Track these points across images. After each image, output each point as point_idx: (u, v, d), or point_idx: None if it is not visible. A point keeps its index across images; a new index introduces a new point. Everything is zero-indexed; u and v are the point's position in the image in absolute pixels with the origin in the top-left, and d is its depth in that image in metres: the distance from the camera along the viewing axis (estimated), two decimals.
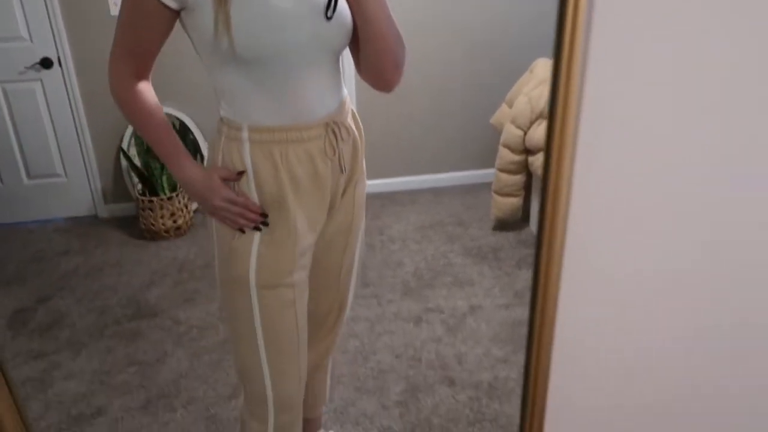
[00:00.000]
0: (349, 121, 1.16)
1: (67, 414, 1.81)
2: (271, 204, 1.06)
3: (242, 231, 1.07)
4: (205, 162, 1.14)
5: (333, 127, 1.08)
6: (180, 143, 1.07)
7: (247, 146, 1.03)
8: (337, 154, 1.10)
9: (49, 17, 2.85)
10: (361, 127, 1.22)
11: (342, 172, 1.14)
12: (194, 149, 3.10)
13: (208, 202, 1.05)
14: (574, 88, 0.80)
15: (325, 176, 1.10)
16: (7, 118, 2.97)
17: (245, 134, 1.03)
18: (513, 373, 1.91)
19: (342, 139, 1.11)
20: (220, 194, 1.04)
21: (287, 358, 1.15)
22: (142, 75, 1.04)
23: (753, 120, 0.84)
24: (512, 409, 1.76)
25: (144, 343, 2.13)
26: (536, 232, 0.90)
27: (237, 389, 1.88)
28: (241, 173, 1.05)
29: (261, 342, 1.12)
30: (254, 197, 1.06)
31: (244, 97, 1.02)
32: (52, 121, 3.03)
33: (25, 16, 2.84)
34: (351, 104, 1.19)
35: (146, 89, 1.04)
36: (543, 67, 2.71)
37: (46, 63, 2.91)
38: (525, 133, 2.58)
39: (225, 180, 1.05)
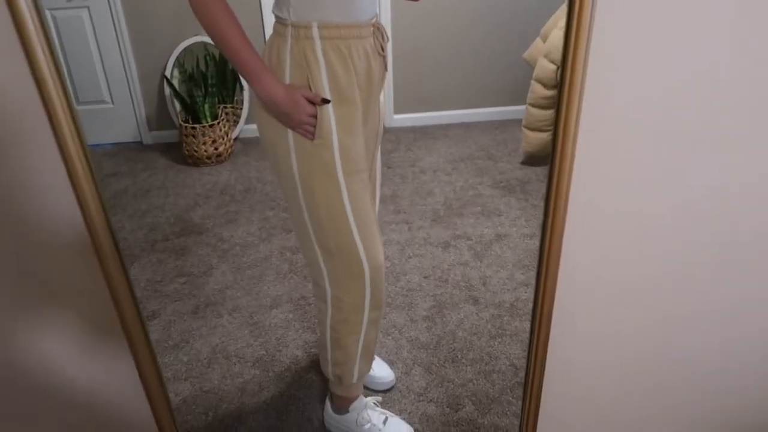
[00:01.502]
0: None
1: None
2: (343, 97, 1.16)
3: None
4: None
5: (378, 27, 1.21)
6: (262, 61, 1.13)
7: (318, 43, 1.12)
8: (384, 52, 1.23)
9: None
10: None
11: (386, 69, 1.27)
12: (233, 79, 3.20)
13: (293, 118, 1.14)
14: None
15: (376, 73, 1.22)
16: (57, 45, 3.08)
17: (315, 32, 1.11)
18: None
19: (385, 39, 1.24)
20: (305, 110, 1.13)
21: (373, 234, 1.29)
22: None
23: None
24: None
25: (191, 257, 2.30)
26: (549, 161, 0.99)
27: (277, 300, 2.05)
28: (325, 101, 1.14)
29: (352, 219, 1.24)
30: (327, 92, 1.15)
31: None
32: (98, 48, 3.14)
33: None
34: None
35: (228, 4, 1.09)
36: None
37: None
38: (558, 68, 2.61)
39: (307, 100, 1.14)
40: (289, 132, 1.18)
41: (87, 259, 1.00)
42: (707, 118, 0.96)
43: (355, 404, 1.52)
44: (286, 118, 1.15)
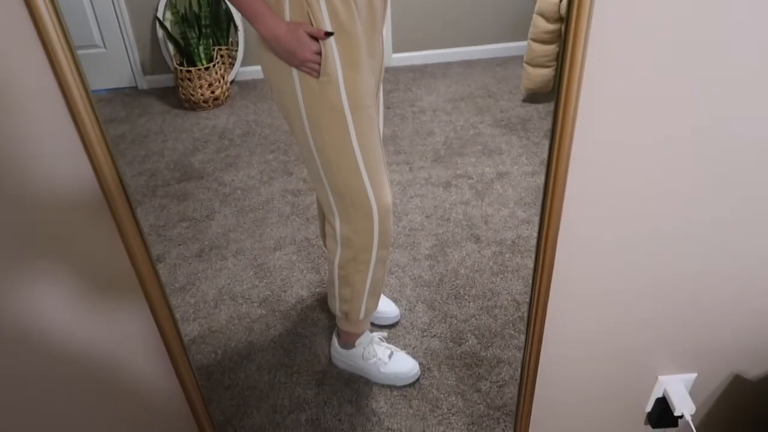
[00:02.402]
0: None
1: None
2: (344, 32, 1.14)
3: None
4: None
5: None
6: (265, 2, 1.11)
7: None
8: None
9: None
10: None
11: (385, 2, 1.24)
12: (227, 19, 3.12)
13: (298, 55, 1.12)
14: None
15: (377, 4, 1.20)
16: None
17: None
18: (535, 232, 2.05)
19: None
20: (309, 48, 1.11)
21: (381, 172, 1.29)
22: None
23: None
24: (532, 262, 1.91)
25: (193, 201, 2.31)
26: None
27: (280, 242, 2.06)
28: (328, 33, 1.12)
29: (360, 158, 1.24)
30: (328, 27, 1.13)
31: None
32: None
33: None
34: None
35: None
36: None
37: None
38: (561, 1, 2.55)
39: (310, 36, 1.12)
40: (294, 71, 1.16)
41: (97, 206, 1.00)
42: (724, 49, 0.94)
43: (362, 339, 1.56)
44: (290, 57, 1.13)
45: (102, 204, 1.00)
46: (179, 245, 2.08)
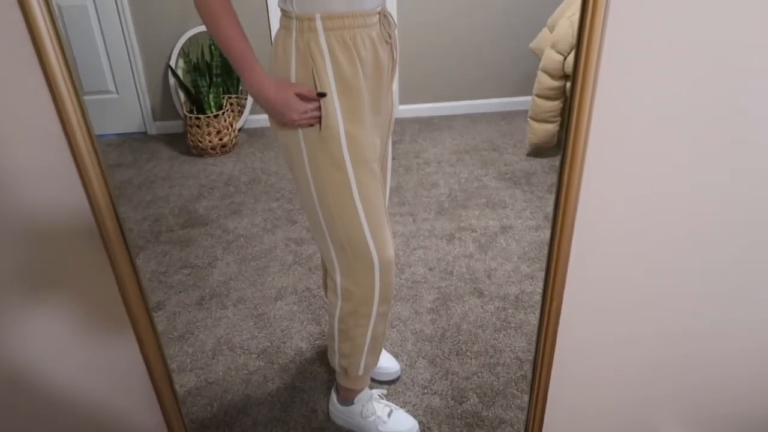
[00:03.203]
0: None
1: None
2: (348, 88, 1.16)
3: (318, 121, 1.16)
4: (271, 60, 1.19)
5: (385, 15, 1.20)
6: (254, 56, 1.12)
7: (322, 35, 1.12)
8: (392, 39, 1.22)
9: None
10: None
11: (394, 59, 1.26)
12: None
13: (285, 117, 1.14)
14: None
15: (384, 61, 1.21)
16: (62, 35, 3.08)
17: (319, 23, 1.11)
18: (539, 288, 2.03)
19: (392, 27, 1.23)
20: (296, 108, 1.13)
21: (384, 226, 1.29)
22: None
23: None
24: (536, 319, 1.88)
25: (196, 248, 2.30)
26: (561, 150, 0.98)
27: (282, 292, 2.05)
28: (321, 94, 1.13)
29: (362, 212, 1.23)
30: (331, 83, 1.14)
31: None
32: (103, 38, 3.13)
33: None
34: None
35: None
36: None
37: None
38: (565, 59, 2.59)
39: (301, 97, 1.13)
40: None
41: (94, 248, 1.00)
42: (722, 114, 0.95)
43: (361, 396, 1.52)
44: (279, 117, 1.15)
45: (101, 252, 1.00)
46: (180, 292, 2.07)
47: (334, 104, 1.15)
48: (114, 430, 1.20)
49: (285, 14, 1.15)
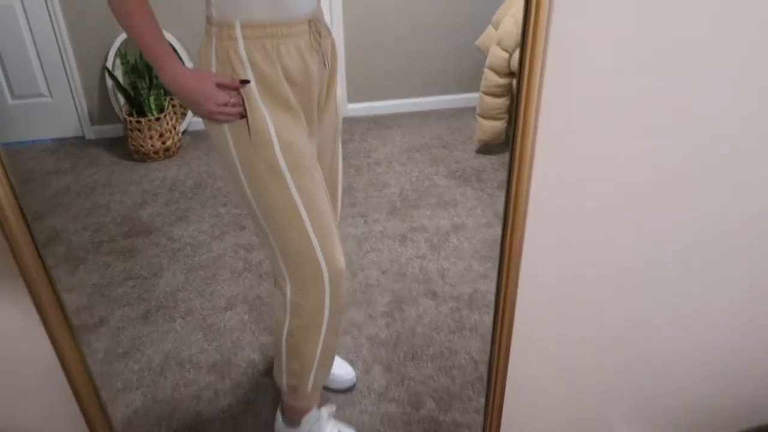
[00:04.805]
0: (325, 21, 1.22)
1: None
2: (272, 93, 1.12)
3: (241, 116, 1.12)
4: (194, 66, 1.17)
5: (316, 24, 1.16)
6: (170, 49, 1.09)
7: (241, 43, 1.08)
8: (321, 49, 1.18)
9: None
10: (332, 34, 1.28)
11: (326, 68, 1.21)
12: None
13: (203, 107, 1.10)
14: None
15: (313, 70, 1.17)
16: None
17: (238, 31, 1.07)
18: (492, 287, 2.03)
19: (323, 36, 1.18)
20: (215, 99, 1.08)
21: (331, 234, 1.24)
22: None
23: None
24: (490, 319, 1.88)
25: (140, 258, 2.21)
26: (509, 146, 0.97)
27: (232, 301, 1.99)
28: (244, 81, 1.09)
29: (307, 220, 1.19)
30: (255, 92, 1.11)
31: None
32: (33, 40, 2.97)
33: None
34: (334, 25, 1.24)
35: None
36: None
37: None
38: (510, 56, 2.61)
39: (221, 86, 1.09)
40: (227, 130, 1.13)
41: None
42: (669, 110, 0.95)
43: (309, 416, 1.45)
44: (195, 107, 1.11)
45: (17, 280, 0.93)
46: (124, 306, 1.98)
47: (261, 109, 1.11)
48: None
49: (207, 20, 1.11)
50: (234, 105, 1.10)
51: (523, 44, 0.88)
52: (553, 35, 0.86)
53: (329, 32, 1.23)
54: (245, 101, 1.11)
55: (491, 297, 2.00)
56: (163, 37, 1.08)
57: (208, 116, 1.12)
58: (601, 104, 0.93)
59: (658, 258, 1.10)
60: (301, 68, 1.14)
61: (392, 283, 2.08)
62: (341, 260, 1.27)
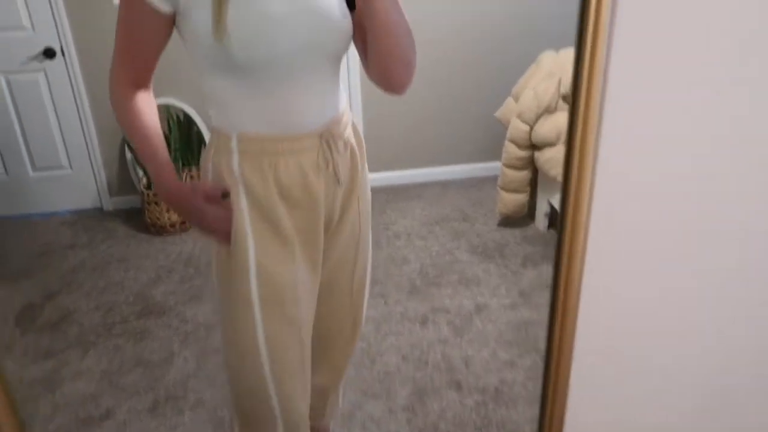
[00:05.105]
0: (348, 133, 1.12)
1: (75, 416, 1.83)
2: (263, 214, 1.02)
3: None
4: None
5: (328, 139, 1.04)
6: (167, 160, 1.04)
7: (236, 157, 1.01)
8: (331, 167, 1.06)
9: (51, 6, 2.81)
10: (362, 139, 1.19)
11: (338, 185, 1.10)
12: (199, 141, 3.08)
13: (193, 221, 1.06)
14: (597, 77, 0.78)
15: (318, 188, 1.05)
16: (11, 110, 2.96)
17: (234, 144, 1.00)
18: (519, 377, 1.92)
19: (338, 151, 1.07)
20: (203, 215, 1.02)
21: (294, 377, 1.10)
22: (142, 83, 1.03)
23: None
24: (518, 414, 1.77)
25: (151, 342, 2.14)
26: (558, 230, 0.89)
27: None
28: (226, 194, 1.02)
29: (265, 359, 1.05)
30: (244, 207, 1.02)
31: (234, 105, 0.99)
32: (56, 113, 3.01)
33: (26, 4, 2.81)
34: (352, 113, 1.17)
35: (143, 100, 1.02)
36: (549, 59, 2.67)
37: (49, 53, 2.88)
38: (531, 128, 2.56)
39: (208, 200, 1.02)
40: (214, 242, 1.08)
41: None
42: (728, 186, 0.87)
43: None
44: (187, 218, 1.09)
45: None
46: (132, 396, 1.89)
47: (244, 231, 1.01)
48: None
49: (211, 129, 1.06)
50: (223, 220, 1.02)
51: (573, 111, 0.80)
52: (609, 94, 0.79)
53: (348, 145, 1.11)
54: (233, 218, 1.02)
55: (518, 389, 1.89)
56: (160, 148, 1.03)
57: (200, 229, 1.05)
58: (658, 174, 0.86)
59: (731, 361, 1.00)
60: (301, 186, 1.03)
61: (413, 371, 1.97)
62: (302, 409, 1.12)
